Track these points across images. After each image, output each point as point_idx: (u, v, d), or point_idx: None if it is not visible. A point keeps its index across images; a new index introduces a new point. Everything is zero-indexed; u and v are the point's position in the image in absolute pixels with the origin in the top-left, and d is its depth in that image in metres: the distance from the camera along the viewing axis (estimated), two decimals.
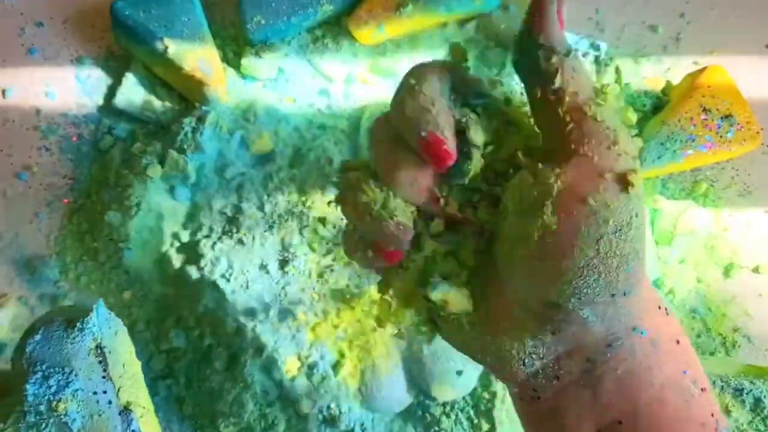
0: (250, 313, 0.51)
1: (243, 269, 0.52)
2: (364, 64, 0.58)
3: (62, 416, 0.29)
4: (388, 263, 0.29)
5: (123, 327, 0.34)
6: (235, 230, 0.53)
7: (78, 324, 0.31)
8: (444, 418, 0.53)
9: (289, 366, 0.51)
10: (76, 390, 0.30)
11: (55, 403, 0.29)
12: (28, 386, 0.29)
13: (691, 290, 0.55)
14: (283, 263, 0.52)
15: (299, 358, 0.51)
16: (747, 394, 0.47)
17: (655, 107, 0.57)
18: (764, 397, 0.46)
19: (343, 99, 0.57)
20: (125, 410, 0.31)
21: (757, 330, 0.56)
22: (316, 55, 0.57)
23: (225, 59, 0.57)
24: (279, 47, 0.57)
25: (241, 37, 0.58)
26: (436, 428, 0.53)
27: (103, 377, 0.31)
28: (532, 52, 0.27)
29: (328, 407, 0.52)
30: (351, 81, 0.58)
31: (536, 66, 0.27)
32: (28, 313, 0.55)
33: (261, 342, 0.51)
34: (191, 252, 0.53)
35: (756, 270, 0.57)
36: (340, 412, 0.51)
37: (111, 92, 0.58)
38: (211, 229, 0.53)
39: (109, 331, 0.32)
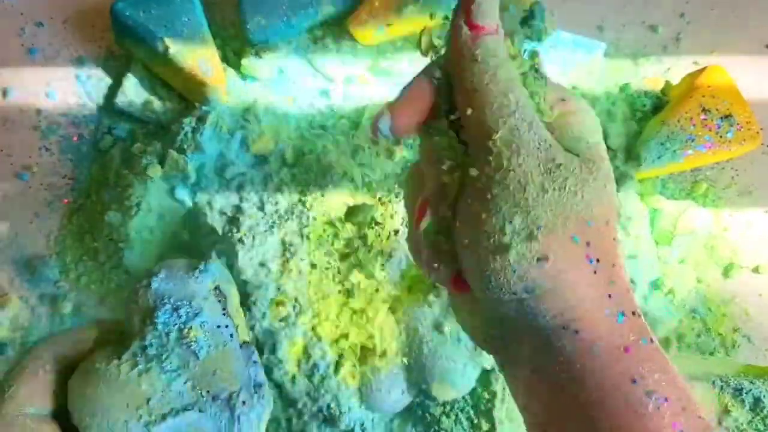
0: (251, 313, 0.52)
1: (243, 269, 0.52)
2: (365, 64, 0.58)
3: (192, 343, 0.30)
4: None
5: (232, 279, 0.35)
6: (235, 230, 0.53)
7: (200, 266, 0.33)
8: (444, 417, 0.53)
9: (289, 366, 0.51)
10: (203, 321, 0.31)
11: (186, 330, 0.30)
12: (159, 314, 0.30)
13: (691, 290, 0.56)
14: (283, 263, 0.52)
15: (299, 358, 0.51)
16: (747, 393, 0.47)
17: (655, 107, 0.57)
18: (764, 396, 0.46)
19: (343, 99, 0.58)
20: (245, 344, 0.33)
21: (756, 330, 0.56)
22: (317, 55, 0.57)
23: (225, 59, 0.57)
24: (279, 47, 0.57)
25: (241, 38, 0.58)
26: (436, 428, 0.53)
27: (224, 314, 0.32)
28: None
29: (328, 407, 0.52)
30: (351, 81, 0.58)
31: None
32: (29, 313, 0.55)
33: (260, 342, 0.51)
34: (191, 252, 0.53)
35: (756, 270, 0.57)
36: (340, 412, 0.51)
37: (111, 92, 0.58)
38: (211, 229, 0.53)
39: (223, 278, 0.34)
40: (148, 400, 0.29)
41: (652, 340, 0.27)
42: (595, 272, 0.26)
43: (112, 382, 0.29)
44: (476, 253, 0.26)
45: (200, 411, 0.30)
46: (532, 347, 0.27)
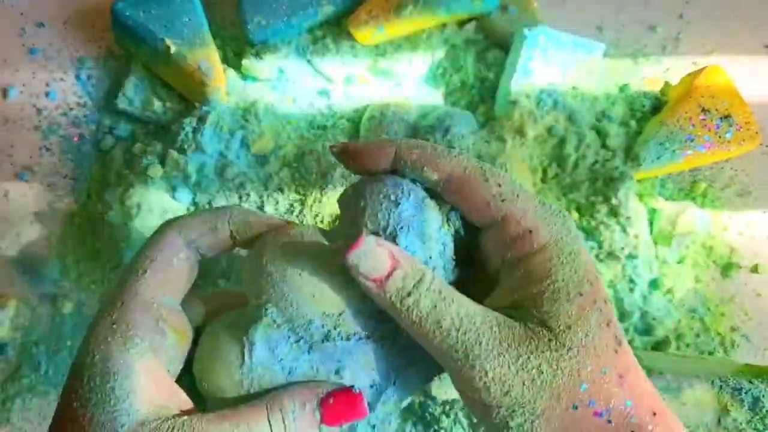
0: None
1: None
2: (364, 64, 0.58)
3: None
4: None
5: None
6: None
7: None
8: (444, 417, 0.53)
9: None
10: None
11: None
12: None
13: (690, 290, 0.56)
14: None
15: None
16: (746, 393, 0.47)
17: (654, 107, 0.57)
18: (763, 396, 0.47)
19: (343, 99, 0.58)
20: None
21: (755, 329, 0.56)
22: (317, 55, 0.57)
23: (225, 59, 0.58)
24: (279, 48, 0.57)
25: (241, 38, 0.58)
26: (436, 427, 0.53)
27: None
28: None
29: None
30: (351, 81, 0.58)
31: None
32: (29, 313, 0.55)
33: None
34: None
35: (755, 270, 0.57)
36: None
37: (112, 92, 0.58)
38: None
39: None
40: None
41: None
42: (609, 421, 0.26)
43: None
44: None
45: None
46: None
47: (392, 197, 0.29)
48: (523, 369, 0.26)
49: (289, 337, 0.29)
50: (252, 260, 0.31)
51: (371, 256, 0.27)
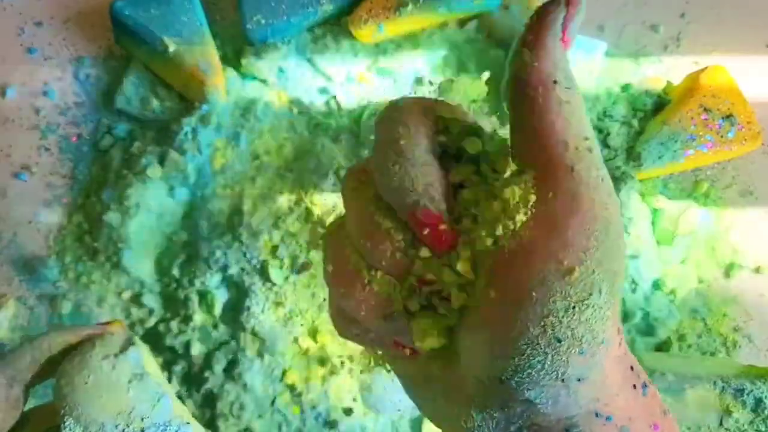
0: (249, 313, 0.51)
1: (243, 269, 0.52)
2: (364, 63, 0.57)
3: None
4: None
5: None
6: (234, 230, 0.52)
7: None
8: None
9: (290, 368, 0.51)
10: None
11: None
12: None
13: (692, 290, 0.55)
14: (283, 263, 0.52)
15: (300, 360, 0.51)
16: (748, 394, 0.46)
17: (656, 107, 0.57)
18: (765, 397, 0.46)
19: (344, 98, 0.57)
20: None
21: (758, 330, 0.56)
22: (316, 54, 0.57)
23: (225, 59, 0.57)
24: (279, 47, 0.57)
25: (240, 37, 0.58)
26: None
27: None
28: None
29: (330, 410, 0.52)
30: (351, 80, 0.57)
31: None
32: (27, 313, 0.55)
33: (261, 343, 0.51)
34: (190, 252, 0.53)
35: (757, 270, 0.57)
36: (342, 415, 0.51)
37: (111, 92, 0.58)
38: (211, 230, 0.53)
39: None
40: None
41: (665, 412, 0.25)
42: (619, 344, 0.24)
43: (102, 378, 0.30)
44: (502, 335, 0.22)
45: None
46: None
47: None
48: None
49: None
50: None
51: (581, 17, 0.23)
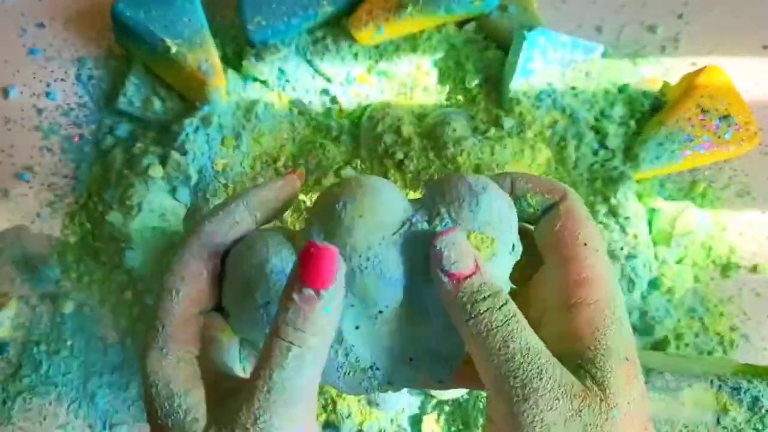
0: None
1: None
2: (364, 64, 0.58)
3: None
4: None
5: None
6: None
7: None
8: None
9: None
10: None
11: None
12: None
13: (689, 290, 0.56)
14: None
15: None
16: (745, 393, 0.47)
17: (653, 108, 0.57)
18: (762, 396, 0.47)
19: (343, 99, 0.58)
20: None
21: (754, 329, 0.56)
22: (316, 55, 0.57)
23: (225, 60, 0.58)
24: (279, 48, 0.57)
25: (241, 38, 0.58)
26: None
27: None
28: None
29: (331, 410, 0.52)
30: (351, 81, 0.58)
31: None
32: (29, 313, 0.55)
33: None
34: None
35: (754, 269, 0.57)
36: (343, 416, 0.52)
37: (112, 93, 0.58)
38: None
39: None
40: None
41: None
42: None
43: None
44: None
45: None
46: None
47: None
48: (572, 421, 0.25)
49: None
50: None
51: (458, 250, 0.27)
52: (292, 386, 0.26)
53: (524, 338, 0.26)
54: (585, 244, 0.29)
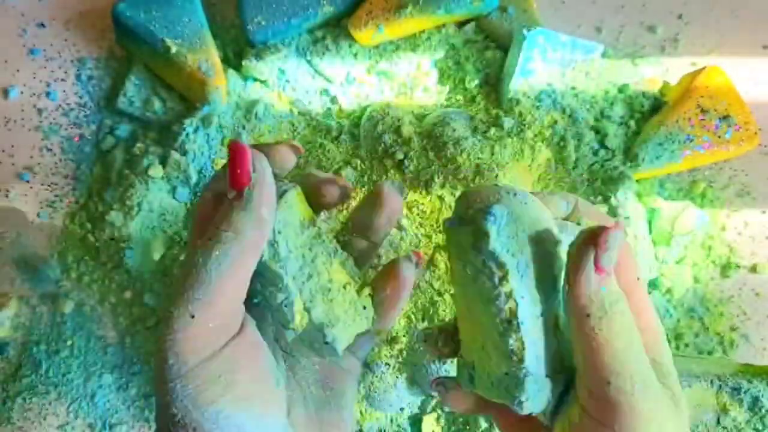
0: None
1: None
2: (364, 65, 0.58)
3: None
4: None
5: None
6: None
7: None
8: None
9: None
10: None
11: None
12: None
13: (689, 290, 0.56)
14: None
15: None
16: (745, 393, 0.47)
17: (653, 108, 0.57)
18: (762, 396, 0.47)
19: (343, 99, 0.58)
20: None
21: (754, 329, 0.56)
22: (316, 56, 0.58)
23: (226, 60, 0.58)
24: (279, 48, 0.57)
25: (241, 38, 0.58)
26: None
27: None
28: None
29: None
30: (351, 81, 0.58)
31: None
32: (29, 312, 0.55)
33: None
34: None
35: (753, 269, 0.57)
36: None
37: (113, 93, 0.59)
38: None
39: None
40: None
41: None
42: None
43: None
44: None
45: None
46: None
47: None
48: (669, 420, 0.27)
49: None
50: None
51: (616, 249, 0.27)
52: (218, 272, 0.27)
53: (636, 346, 0.27)
54: (638, 279, 0.30)
